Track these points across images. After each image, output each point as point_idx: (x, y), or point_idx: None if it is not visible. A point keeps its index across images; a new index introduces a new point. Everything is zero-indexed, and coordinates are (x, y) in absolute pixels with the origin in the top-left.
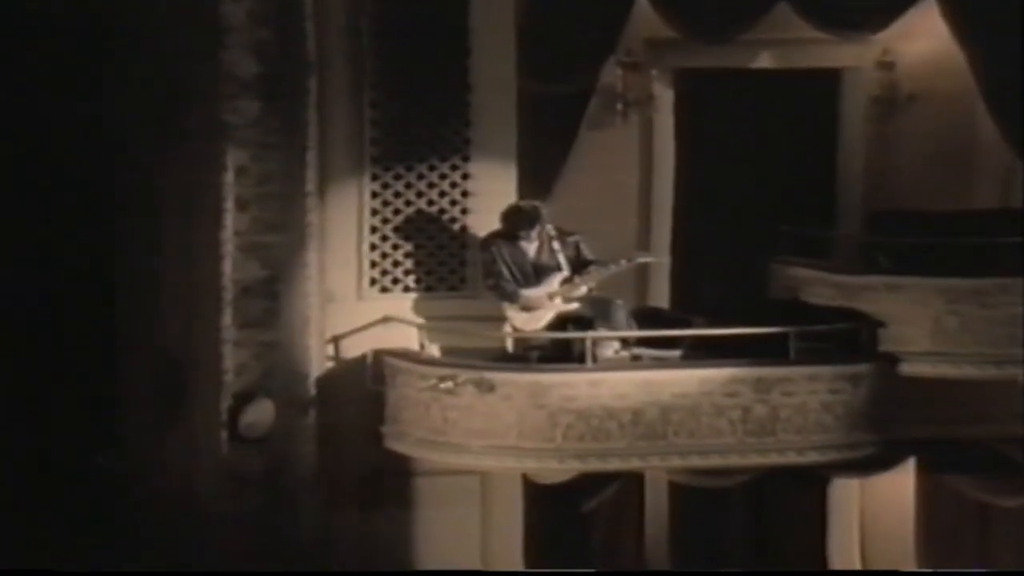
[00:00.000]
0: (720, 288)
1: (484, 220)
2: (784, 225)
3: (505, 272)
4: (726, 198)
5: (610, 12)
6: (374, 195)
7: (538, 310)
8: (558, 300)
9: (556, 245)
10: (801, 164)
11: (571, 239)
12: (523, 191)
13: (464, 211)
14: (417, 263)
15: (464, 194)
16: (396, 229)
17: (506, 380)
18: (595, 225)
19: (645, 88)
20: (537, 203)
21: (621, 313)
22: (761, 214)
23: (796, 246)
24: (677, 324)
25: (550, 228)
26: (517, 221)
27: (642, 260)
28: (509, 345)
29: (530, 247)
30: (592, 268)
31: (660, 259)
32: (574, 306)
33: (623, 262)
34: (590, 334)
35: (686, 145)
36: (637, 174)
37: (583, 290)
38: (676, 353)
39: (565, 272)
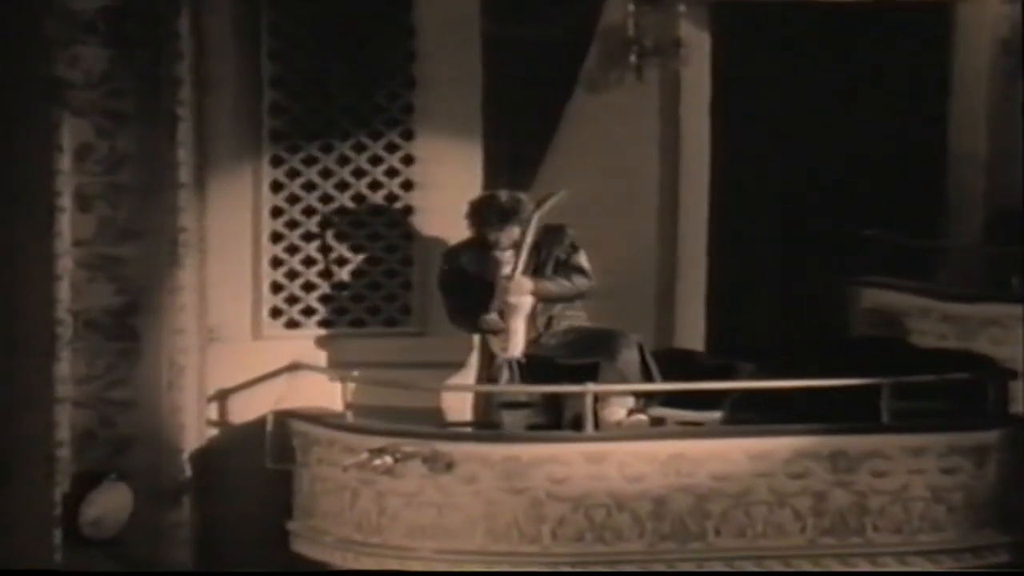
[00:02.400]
0: (778, 321)
1: (436, 222)
2: (870, 230)
3: (467, 299)
4: (786, 190)
5: None
6: (276, 187)
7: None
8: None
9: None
10: (895, 141)
11: (562, 233)
12: (491, 180)
13: (407, 210)
14: (340, 286)
15: (407, 186)
16: (308, 236)
17: (470, 454)
18: (597, 229)
19: (669, 30)
20: (520, 195)
21: (634, 353)
22: (837, 214)
23: (888, 260)
24: (718, 373)
25: (531, 229)
26: (485, 217)
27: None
28: (467, 406)
29: (505, 257)
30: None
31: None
32: (525, 302)
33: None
34: (591, 387)
35: (728, 112)
36: (657, 154)
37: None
38: (716, 415)
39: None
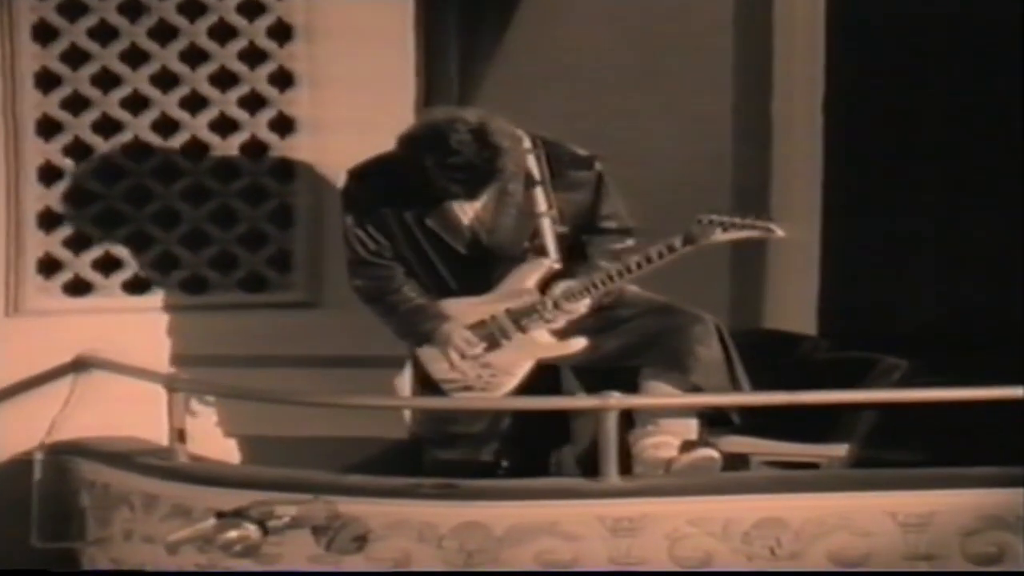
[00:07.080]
0: (947, 288)
1: (336, 105)
2: None
3: (389, 258)
4: (963, 71)
5: None
6: (45, 33)
7: (498, 351)
8: (547, 319)
9: (539, 196)
10: None
11: (584, 173)
12: (436, 83)
13: (284, 79)
14: (165, 219)
15: (279, 32)
16: (106, 126)
17: (397, 520)
18: (628, 144)
19: None
20: (482, 113)
21: (714, 348)
22: None
23: None
24: (842, 374)
25: (531, 157)
26: (431, 149)
27: (739, 236)
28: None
29: (468, 205)
30: (602, 265)
31: (779, 232)
32: (577, 345)
33: (677, 243)
34: (614, 400)
35: None
36: (731, 59)
37: (584, 305)
38: (839, 450)
39: (551, 258)
